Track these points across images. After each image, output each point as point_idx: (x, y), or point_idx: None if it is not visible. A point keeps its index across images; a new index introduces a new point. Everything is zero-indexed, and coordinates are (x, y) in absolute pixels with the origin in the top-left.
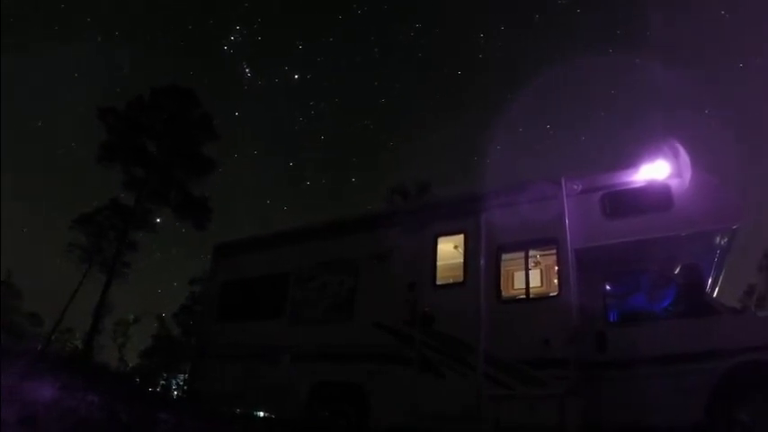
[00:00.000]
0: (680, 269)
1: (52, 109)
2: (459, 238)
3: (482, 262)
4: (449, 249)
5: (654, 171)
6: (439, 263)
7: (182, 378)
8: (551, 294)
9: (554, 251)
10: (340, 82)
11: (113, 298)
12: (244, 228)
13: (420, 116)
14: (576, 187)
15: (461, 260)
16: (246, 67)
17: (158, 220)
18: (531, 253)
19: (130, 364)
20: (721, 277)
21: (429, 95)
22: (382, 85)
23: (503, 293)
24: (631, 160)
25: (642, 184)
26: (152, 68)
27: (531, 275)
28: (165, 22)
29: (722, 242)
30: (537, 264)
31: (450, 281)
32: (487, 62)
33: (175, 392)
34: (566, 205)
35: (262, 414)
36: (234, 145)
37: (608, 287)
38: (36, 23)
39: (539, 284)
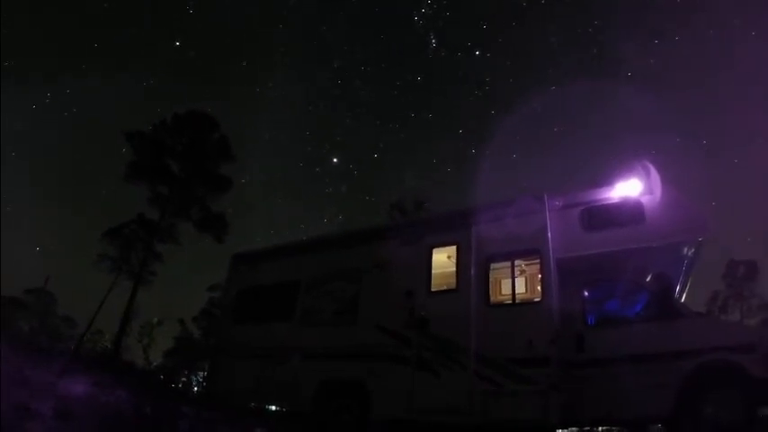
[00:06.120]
0: (651, 277)
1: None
2: (452, 250)
3: (473, 271)
4: (443, 259)
5: (628, 188)
6: (434, 271)
7: (201, 376)
8: (535, 300)
9: (537, 261)
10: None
11: (139, 303)
12: (257, 237)
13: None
14: (557, 203)
15: (454, 269)
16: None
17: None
18: (517, 262)
19: (154, 363)
20: (688, 284)
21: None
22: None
23: (491, 299)
24: (607, 178)
25: (617, 200)
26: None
27: (516, 283)
28: None
29: (689, 253)
30: (522, 272)
31: (444, 288)
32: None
33: (195, 389)
34: (548, 219)
35: (273, 408)
36: None
37: (586, 293)
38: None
39: (524, 291)
